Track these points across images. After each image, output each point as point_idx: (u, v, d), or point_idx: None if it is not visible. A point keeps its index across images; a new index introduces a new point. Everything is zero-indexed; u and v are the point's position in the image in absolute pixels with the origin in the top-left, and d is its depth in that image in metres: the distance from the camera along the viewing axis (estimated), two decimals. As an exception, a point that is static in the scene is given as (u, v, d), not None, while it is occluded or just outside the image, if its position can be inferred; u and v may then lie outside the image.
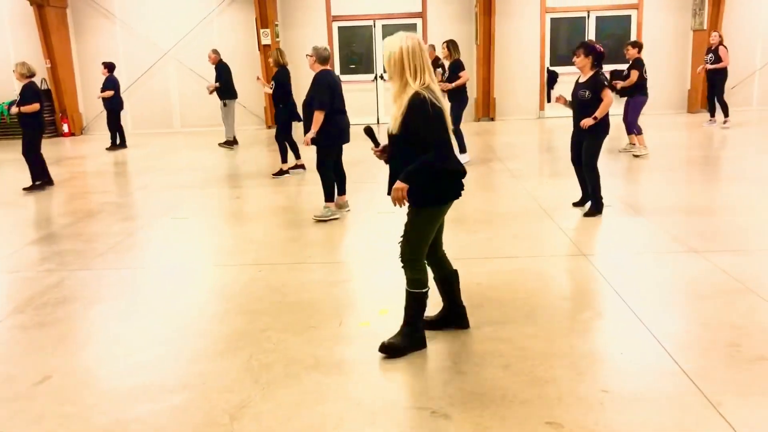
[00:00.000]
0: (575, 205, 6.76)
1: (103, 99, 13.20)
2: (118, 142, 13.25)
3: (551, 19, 15.02)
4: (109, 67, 13.31)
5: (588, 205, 6.53)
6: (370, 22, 15.24)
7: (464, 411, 3.09)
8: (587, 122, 6.23)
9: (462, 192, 3.65)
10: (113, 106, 13.20)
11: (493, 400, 3.16)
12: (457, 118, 9.39)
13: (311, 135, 6.53)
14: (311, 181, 8.48)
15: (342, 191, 7.08)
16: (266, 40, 14.32)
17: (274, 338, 3.97)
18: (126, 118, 15.80)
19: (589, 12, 14.91)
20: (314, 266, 5.35)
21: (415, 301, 3.68)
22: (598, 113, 6.20)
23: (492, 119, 15.04)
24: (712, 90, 12.37)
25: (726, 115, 12.14)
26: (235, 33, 15.03)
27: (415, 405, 3.17)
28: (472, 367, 3.51)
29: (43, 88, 15.20)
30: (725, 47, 12.06)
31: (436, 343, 3.81)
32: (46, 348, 3.98)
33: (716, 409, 3.00)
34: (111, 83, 13.13)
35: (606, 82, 6.34)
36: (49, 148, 13.48)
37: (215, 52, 12.37)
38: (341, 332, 4.04)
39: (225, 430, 3.02)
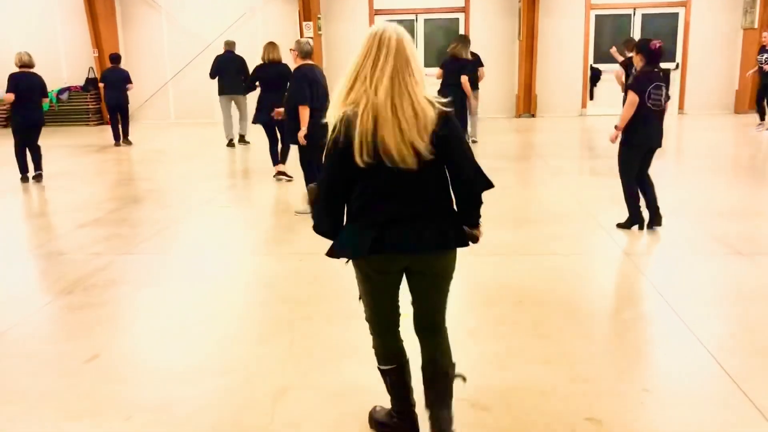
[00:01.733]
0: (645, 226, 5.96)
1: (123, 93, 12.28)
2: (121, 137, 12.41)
3: (596, 16, 14.81)
4: (112, 59, 12.53)
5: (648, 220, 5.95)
6: (413, 17, 15.22)
7: (504, 404, 3.10)
8: (612, 136, 5.77)
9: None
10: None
11: (532, 395, 3.17)
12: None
13: (303, 132, 6.37)
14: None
15: None
16: (308, 33, 14.41)
17: (315, 326, 4.03)
18: (170, 107, 16.10)
19: (635, 9, 14.67)
20: (354, 257, 5.39)
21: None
22: (619, 122, 5.66)
23: (533, 116, 14.92)
24: (763, 92, 11.97)
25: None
26: (278, 25, 15.15)
27: (455, 396, 3.19)
28: (512, 363, 3.51)
29: (90, 76, 15.62)
30: None
31: (477, 341, 3.82)
32: (94, 328, 4.10)
33: (761, 413, 2.96)
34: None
35: (632, 83, 5.75)
36: (95, 136, 13.85)
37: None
38: (381, 323, 4.07)
39: (266, 412, 3.08)
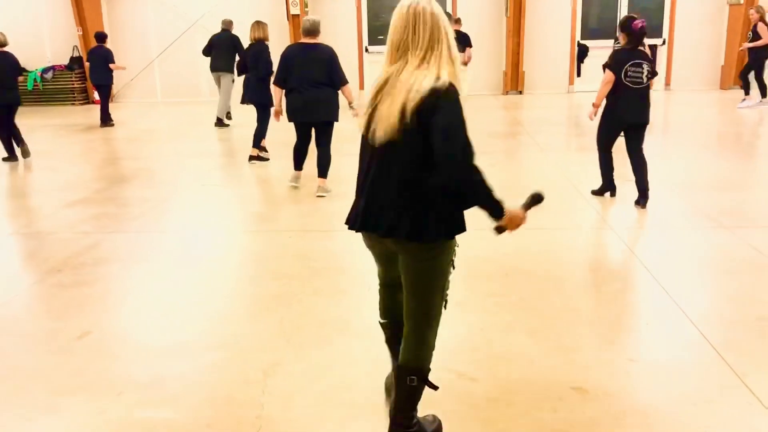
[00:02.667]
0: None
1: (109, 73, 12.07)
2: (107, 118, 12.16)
3: (583, -8, 14.78)
4: (97, 37, 12.34)
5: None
6: (400, -7, 15.09)
7: (491, 374, 3.16)
8: (590, 114, 6.07)
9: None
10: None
11: (519, 366, 3.23)
12: None
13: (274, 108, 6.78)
14: (342, 152, 8.55)
15: (299, 167, 6.88)
16: (295, 10, 14.28)
17: (306, 301, 4.07)
18: (156, 86, 15.96)
19: (622, -15, 14.64)
20: (343, 234, 5.42)
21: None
22: (596, 99, 5.96)
23: (520, 92, 14.92)
24: (749, 68, 12.03)
25: (763, 95, 11.88)
26: (264, 3, 15.00)
27: (442, 368, 3.24)
28: (500, 334, 3.57)
29: (74, 55, 15.44)
30: (765, 24, 11.72)
31: (465, 312, 3.87)
32: (85, 305, 4.12)
33: (741, 380, 3.04)
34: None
35: (608, 61, 5.88)
36: (80, 115, 13.73)
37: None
38: (370, 297, 4.10)
39: (259, 386, 3.12)
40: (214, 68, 11.77)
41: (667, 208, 5.90)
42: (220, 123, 11.71)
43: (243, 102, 8.73)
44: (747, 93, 12.06)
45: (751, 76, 11.93)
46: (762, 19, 11.64)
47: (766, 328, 3.55)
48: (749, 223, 5.36)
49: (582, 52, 14.92)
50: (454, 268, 2.57)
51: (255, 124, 8.40)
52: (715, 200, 6.05)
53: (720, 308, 3.87)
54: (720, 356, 3.26)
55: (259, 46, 8.42)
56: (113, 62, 12.04)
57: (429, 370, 2.62)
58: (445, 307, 2.59)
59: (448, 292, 2.56)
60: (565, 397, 2.95)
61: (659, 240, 5.09)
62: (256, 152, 8.39)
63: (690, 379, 3.09)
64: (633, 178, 5.92)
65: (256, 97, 8.33)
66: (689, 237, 5.13)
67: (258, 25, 8.55)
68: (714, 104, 12.70)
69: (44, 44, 15.59)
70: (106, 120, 11.99)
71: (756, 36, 11.57)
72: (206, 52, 11.86)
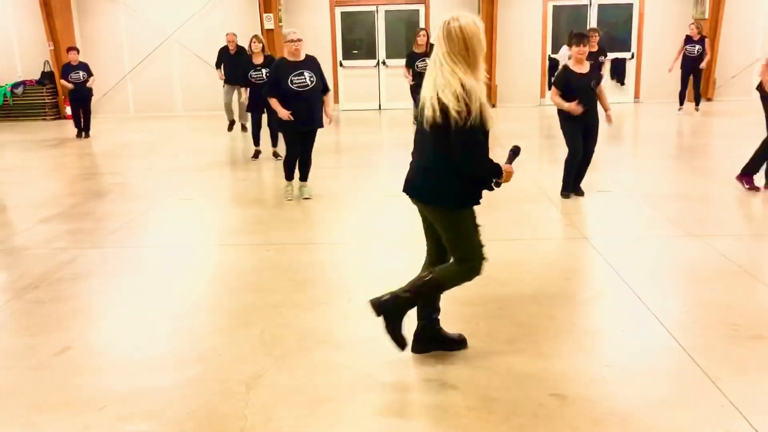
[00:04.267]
0: None
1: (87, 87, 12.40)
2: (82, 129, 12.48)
3: (553, 6, 15.05)
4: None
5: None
6: (373, 8, 15.25)
7: (471, 383, 3.21)
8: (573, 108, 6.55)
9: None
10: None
11: (498, 373, 3.29)
12: None
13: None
14: (316, 165, 8.59)
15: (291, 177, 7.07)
16: (269, 25, 14.33)
17: (286, 314, 4.09)
18: (129, 101, 15.87)
19: (591, 0, 14.94)
20: (322, 246, 5.46)
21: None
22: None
23: (494, 106, 15.09)
24: (695, 79, 12.70)
25: (698, 102, 12.75)
26: (238, 17, 15.04)
27: (423, 377, 3.29)
28: (479, 343, 3.62)
29: (46, 70, 15.30)
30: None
31: (444, 322, 3.92)
32: (64, 321, 4.09)
33: (714, 384, 3.13)
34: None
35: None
36: (52, 130, 13.60)
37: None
38: (350, 309, 4.16)
39: (241, 398, 3.14)
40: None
41: (639, 218, 6.03)
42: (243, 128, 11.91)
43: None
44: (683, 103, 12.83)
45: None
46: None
47: (737, 333, 3.65)
48: (719, 231, 5.50)
49: (553, 66, 15.15)
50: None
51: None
52: (685, 209, 6.20)
53: (693, 314, 3.97)
54: (693, 361, 3.35)
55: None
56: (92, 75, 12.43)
57: (439, 288, 3.40)
58: (481, 264, 3.33)
59: (482, 248, 3.30)
60: (545, 403, 3.01)
61: (632, 249, 5.20)
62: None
63: (665, 384, 3.17)
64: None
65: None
66: (661, 245, 5.25)
67: (252, 39, 9.16)
68: (683, 115, 12.97)
69: (15, 59, 15.45)
70: (87, 131, 12.44)
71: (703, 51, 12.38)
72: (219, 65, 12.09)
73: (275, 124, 6.85)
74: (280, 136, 7.44)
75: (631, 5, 14.95)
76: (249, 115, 11.70)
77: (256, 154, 9.48)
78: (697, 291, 4.31)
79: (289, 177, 7.00)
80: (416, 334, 3.47)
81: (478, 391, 3.13)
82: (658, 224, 5.81)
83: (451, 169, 3.12)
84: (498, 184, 3.24)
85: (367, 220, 6.31)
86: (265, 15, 14.35)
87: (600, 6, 14.97)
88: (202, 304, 4.35)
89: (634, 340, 3.64)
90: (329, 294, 4.41)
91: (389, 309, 3.30)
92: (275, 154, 9.26)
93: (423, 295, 3.36)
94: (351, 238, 5.88)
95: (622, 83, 15.16)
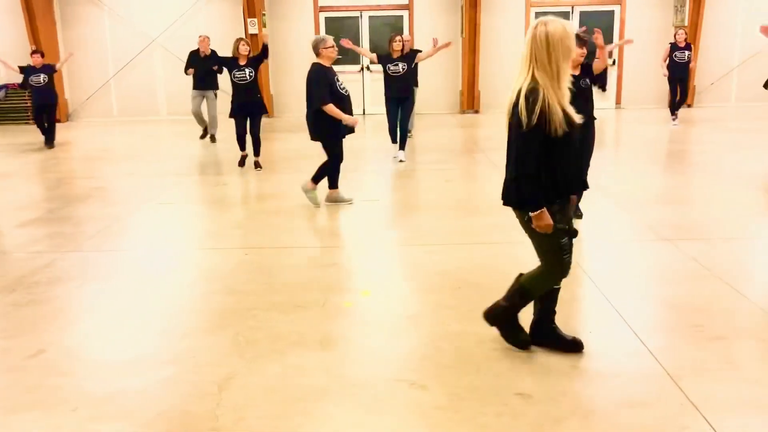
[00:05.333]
0: None
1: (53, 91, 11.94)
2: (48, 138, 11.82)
3: (536, 13, 15.20)
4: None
5: None
6: (357, 14, 15.35)
7: (440, 383, 3.27)
8: None
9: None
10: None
11: (467, 373, 3.35)
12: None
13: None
14: (299, 170, 8.65)
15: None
16: (253, 30, 14.38)
17: (260, 317, 4.14)
18: (113, 104, 15.84)
19: (573, 7, 15.12)
20: (299, 250, 5.51)
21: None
22: None
23: (477, 111, 15.22)
24: (682, 87, 12.44)
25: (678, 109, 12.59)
26: (222, 22, 15.08)
27: (394, 377, 3.35)
28: (449, 344, 3.69)
29: (29, 74, 15.21)
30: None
31: (418, 323, 3.99)
32: (39, 324, 4.12)
33: (676, 384, 3.21)
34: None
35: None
36: (34, 135, 13.50)
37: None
38: (325, 312, 4.21)
39: (213, 399, 3.18)
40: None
41: (611, 222, 6.13)
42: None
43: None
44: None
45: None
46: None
47: (699, 335, 3.74)
48: (689, 236, 5.61)
49: (535, 72, 15.29)
50: (570, 236, 3.32)
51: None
52: (658, 214, 6.30)
53: (659, 317, 4.06)
54: (657, 362, 3.43)
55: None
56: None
57: (527, 296, 3.52)
58: (564, 269, 3.38)
59: (565, 256, 3.31)
60: (510, 402, 3.08)
61: (604, 252, 5.29)
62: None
63: (628, 384, 3.24)
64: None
65: None
66: (632, 249, 5.34)
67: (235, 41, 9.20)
68: (662, 122, 13.14)
69: (-4, 62, 15.36)
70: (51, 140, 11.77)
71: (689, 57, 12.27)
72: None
73: (327, 134, 6.62)
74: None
75: (612, 12, 15.14)
76: (217, 124, 11.67)
77: (243, 160, 9.27)
78: (666, 294, 4.40)
79: (335, 184, 6.94)
80: (531, 327, 3.62)
81: (446, 391, 3.19)
82: (631, 228, 5.91)
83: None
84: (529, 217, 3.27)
85: (344, 225, 6.37)
86: (249, 20, 14.40)
87: (582, 13, 15.14)
88: (177, 307, 4.39)
89: (600, 341, 3.72)
90: (305, 297, 4.46)
91: (499, 318, 3.58)
92: (257, 164, 9.13)
93: (516, 304, 3.54)
94: (328, 242, 5.94)
95: (604, 89, 15.32)
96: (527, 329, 3.63)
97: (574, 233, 3.37)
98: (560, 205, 3.27)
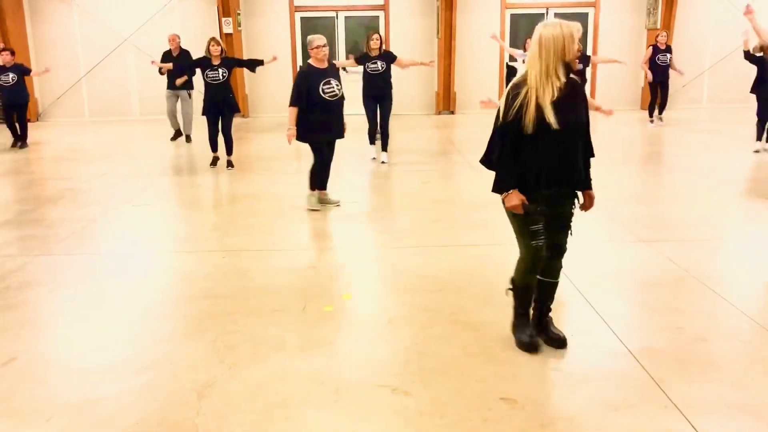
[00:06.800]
0: None
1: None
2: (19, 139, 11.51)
3: (511, 15, 15.27)
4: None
5: None
6: (333, 14, 15.27)
7: (424, 388, 3.24)
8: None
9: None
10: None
11: (451, 378, 3.33)
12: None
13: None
14: (274, 170, 8.57)
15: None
16: (228, 29, 14.24)
17: (240, 321, 4.07)
18: (84, 104, 15.58)
19: (548, 9, 15.21)
20: (278, 253, 5.44)
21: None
22: None
23: (452, 112, 15.24)
24: (663, 89, 12.62)
25: (662, 111, 12.74)
26: (197, 21, 14.90)
27: (376, 383, 3.31)
28: (432, 348, 3.66)
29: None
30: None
31: (399, 327, 3.95)
32: (10, 331, 4.01)
33: (658, 386, 3.21)
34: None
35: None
36: (3, 134, 13.24)
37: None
38: (306, 316, 4.16)
39: (192, 408, 3.11)
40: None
41: (590, 224, 6.14)
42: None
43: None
44: (660, 113, 12.80)
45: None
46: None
47: (680, 336, 3.76)
48: (666, 237, 5.65)
49: (510, 74, 15.37)
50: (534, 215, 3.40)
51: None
52: (635, 215, 6.34)
53: (640, 319, 4.07)
54: (639, 364, 3.44)
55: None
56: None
57: (516, 287, 3.67)
58: (534, 254, 3.50)
59: (534, 242, 3.46)
60: (494, 407, 3.05)
61: (583, 255, 5.30)
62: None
63: (612, 387, 3.24)
64: None
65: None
66: (611, 251, 5.37)
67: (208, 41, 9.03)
68: (635, 123, 13.28)
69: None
70: (24, 140, 11.52)
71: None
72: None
73: (305, 135, 6.50)
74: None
75: (586, 14, 15.26)
76: (193, 124, 11.56)
77: (215, 161, 9.22)
78: (645, 296, 4.42)
79: (321, 186, 6.78)
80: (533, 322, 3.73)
81: (430, 396, 3.16)
82: (610, 230, 5.93)
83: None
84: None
85: (322, 227, 6.31)
86: (224, 19, 14.25)
87: (556, 15, 15.22)
88: (154, 311, 4.30)
89: (583, 344, 3.72)
90: (284, 301, 4.40)
91: (514, 323, 3.71)
92: (229, 163, 9.11)
93: (515, 300, 3.71)
94: (306, 245, 5.88)
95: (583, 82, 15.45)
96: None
97: (543, 211, 3.45)
98: (548, 194, 3.42)
